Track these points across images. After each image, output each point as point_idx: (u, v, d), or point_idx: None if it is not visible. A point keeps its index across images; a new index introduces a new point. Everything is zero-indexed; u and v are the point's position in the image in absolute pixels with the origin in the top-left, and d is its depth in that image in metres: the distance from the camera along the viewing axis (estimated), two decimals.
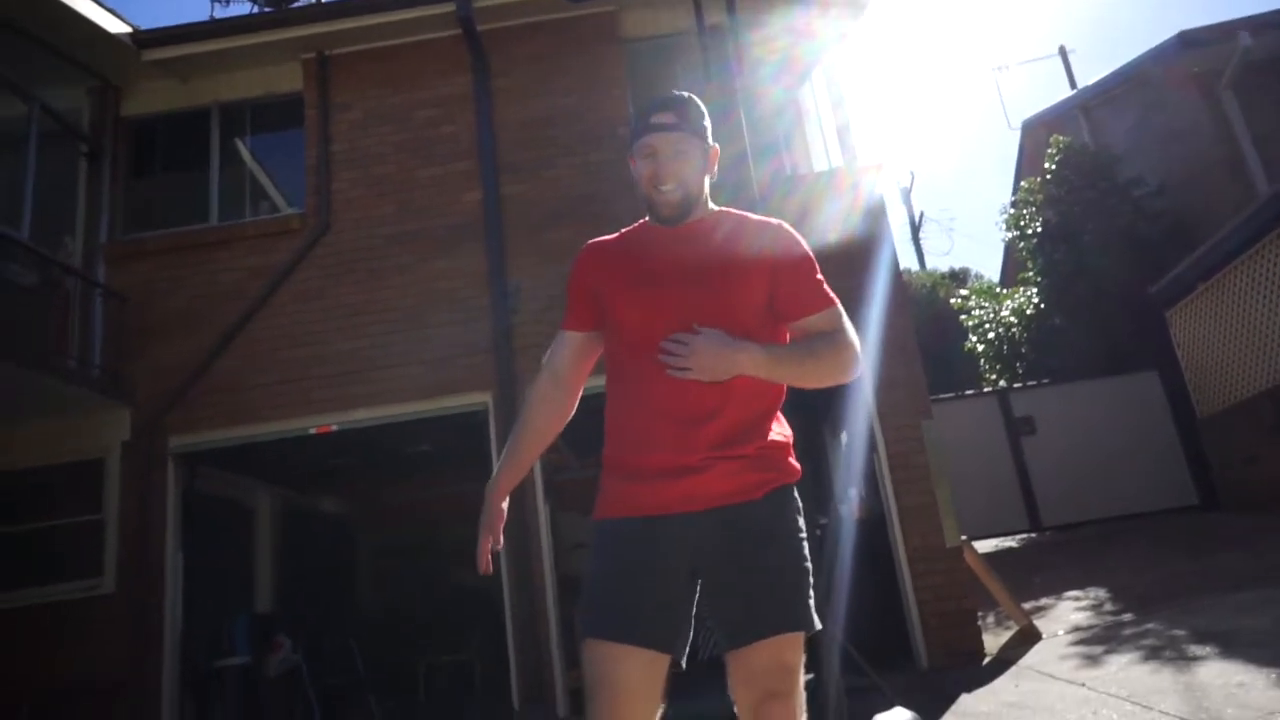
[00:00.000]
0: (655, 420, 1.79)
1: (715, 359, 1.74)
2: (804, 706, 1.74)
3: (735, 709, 1.75)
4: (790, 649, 1.72)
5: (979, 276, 20.13)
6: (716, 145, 1.98)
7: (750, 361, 1.76)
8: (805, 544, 1.81)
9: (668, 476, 1.75)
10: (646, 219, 2.01)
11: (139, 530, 6.54)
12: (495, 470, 2.06)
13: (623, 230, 2.07)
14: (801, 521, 1.83)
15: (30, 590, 6.44)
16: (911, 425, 6.46)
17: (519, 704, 6.06)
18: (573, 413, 2.07)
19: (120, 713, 6.12)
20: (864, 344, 6.24)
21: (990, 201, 49.61)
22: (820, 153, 8.21)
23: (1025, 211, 12.79)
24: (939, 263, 35.79)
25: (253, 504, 8.58)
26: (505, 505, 2.06)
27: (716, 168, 2.00)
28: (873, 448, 6.54)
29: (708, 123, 1.97)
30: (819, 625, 1.77)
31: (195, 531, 6.82)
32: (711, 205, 2.01)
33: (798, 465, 1.88)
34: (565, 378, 2.01)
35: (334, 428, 6.77)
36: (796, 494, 1.86)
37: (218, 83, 7.92)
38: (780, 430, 1.90)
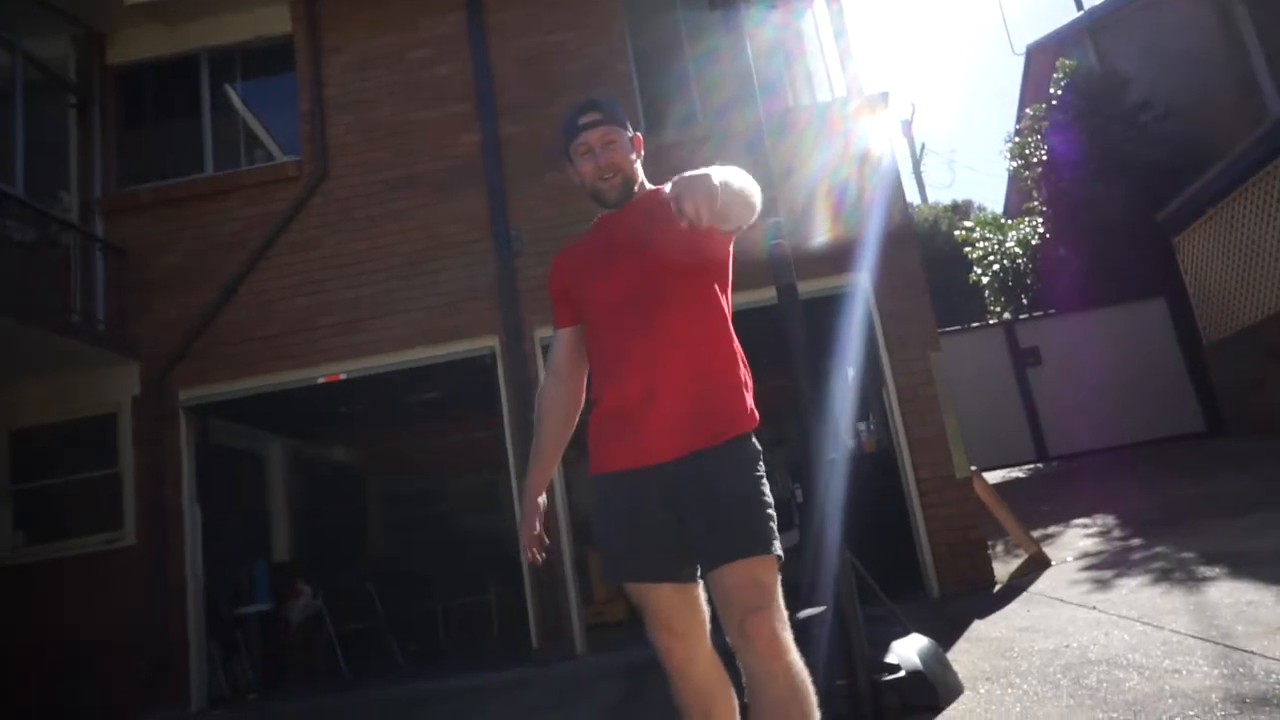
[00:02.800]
0: (620, 386, 1.99)
1: (702, 187, 1.68)
2: (785, 622, 1.85)
3: (726, 635, 1.87)
4: (761, 568, 1.86)
5: (981, 209, 19.91)
6: (639, 134, 2.22)
7: (717, 177, 1.74)
8: (764, 481, 1.96)
9: (635, 435, 1.96)
10: (599, 215, 2.24)
11: (155, 483, 6.60)
12: (528, 473, 2.25)
13: (581, 233, 2.31)
14: (760, 464, 1.99)
15: (55, 544, 6.54)
16: (920, 358, 6.45)
17: (538, 643, 6.17)
18: (583, 399, 2.25)
19: (148, 660, 6.25)
20: (878, 278, 6.16)
21: (992, 132, 48.85)
22: (823, 83, 8.03)
23: (1030, 140, 12.61)
24: (941, 196, 35.46)
25: (264, 454, 8.64)
26: (542, 499, 2.21)
27: (640, 150, 2.22)
28: (881, 381, 6.54)
29: (625, 116, 2.22)
30: (780, 551, 1.90)
31: (210, 482, 6.88)
32: (646, 185, 2.22)
33: (755, 414, 2.03)
34: (565, 374, 2.23)
35: (343, 376, 6.77)
36: (754, 439, 2.01)
37: (205, 26, 7.71)
38: (736, 383, 2.02)
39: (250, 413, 7.64)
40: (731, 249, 2.14)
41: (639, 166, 2.20)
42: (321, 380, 6.76)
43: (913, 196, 23.63)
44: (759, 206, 1.95)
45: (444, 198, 7.07)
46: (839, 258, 6.62)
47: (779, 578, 1.88)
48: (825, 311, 6.76)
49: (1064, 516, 7.27)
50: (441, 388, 8.08)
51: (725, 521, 1.87)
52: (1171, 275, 10.41)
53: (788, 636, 1.83)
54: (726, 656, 1.97)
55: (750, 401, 2.03)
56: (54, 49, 7.43)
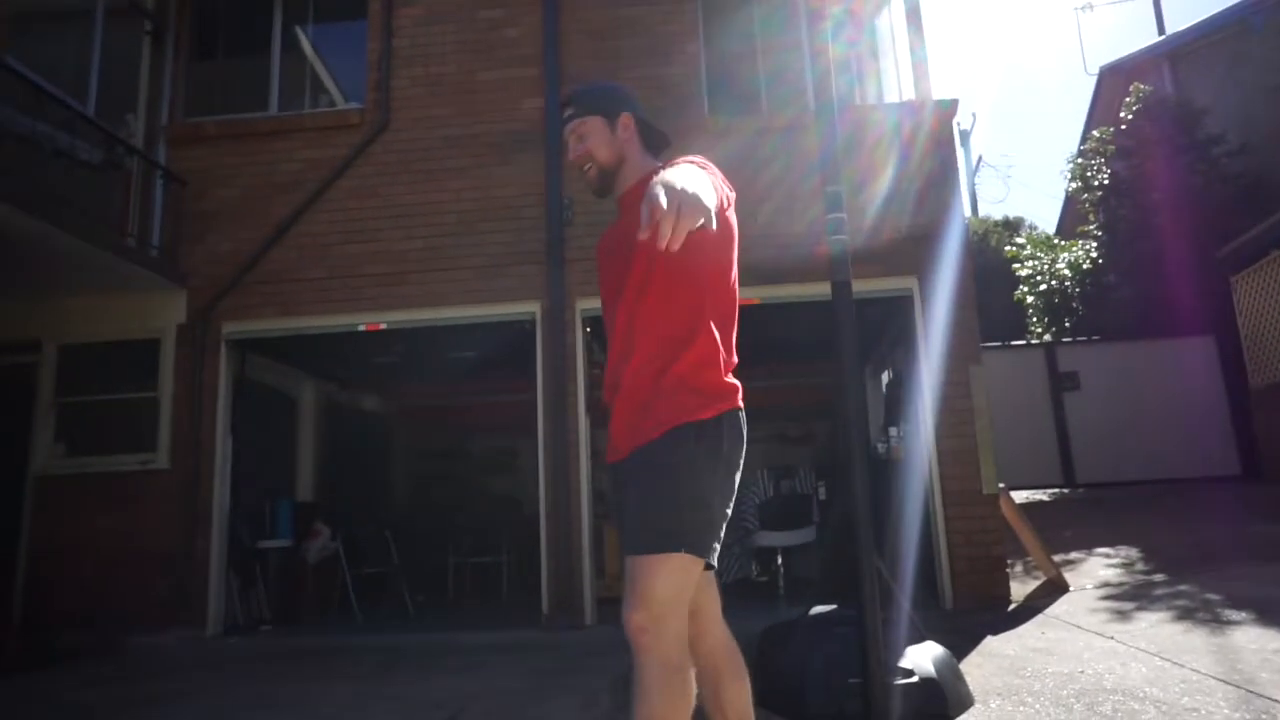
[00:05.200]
0: (606, 382, 2.10)
1: (674, 203, 1.52)
2: (655, 621, 1.79)
3: None
4: (635, 565, 1.85)
5: (1033, 227, 19.57)
6: (626, 113, 2.17)
7: (694, 189, 1.58)
8: (671, 479, 1.88)
9: (612, 429, 2.07)
10: None
11: (191, 411, 6.74)
12: None
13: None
14: (677, 460, 1.89)
15: (92, 459, 6.72)
16: (959, 369, 6.38)
17: (548, 609, 6.24)
18: None
19: (170, 581, 6.42)
20: (928, 285, 6.11)
21: (1053, 151, 47.85)
22: (893, 82, 7.91)
23: (1094, 162, 12.36)
24: (993, 210, 34.94)
25: (298, 394, 8.76)
26: None
27: (631, 131, 2.18)
28: (917, 389, 6.49)
29: (608, 100, 2.19)
30: (669, 549, 1.83)
31: (242, 416, 7.01)
32: (653, 165, 2.18)
33: (698, 409, 1.92)
34: None
35: (384, 326, 6.84)
36: (686, 434, 1.90)
37: None
38: (679, 380, 1.95)
39: (288, 352, 7.77)
40: (732, 231, 2.04)
41: (633, 151, 2.18)
42: (362, 328, 6.84)
43: (964, 208, 23.29)
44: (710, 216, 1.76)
45: (501, 160, 7.09)
46: (890, 260, 6.56)
47: (657, 577, 1.81)
48: (869, 312, 6.72)
49: (1086, 544, 7.19)
50: (478, 348, 8.13)
51: (628, 515, 1.93)
52: (1224, 314, 10.18)
53: (651, 638, 1.79)
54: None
55: (694, 397, 1.94)
56: None
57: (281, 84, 7.70)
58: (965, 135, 25.11)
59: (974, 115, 31.29)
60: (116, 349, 6.93)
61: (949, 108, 6.99)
